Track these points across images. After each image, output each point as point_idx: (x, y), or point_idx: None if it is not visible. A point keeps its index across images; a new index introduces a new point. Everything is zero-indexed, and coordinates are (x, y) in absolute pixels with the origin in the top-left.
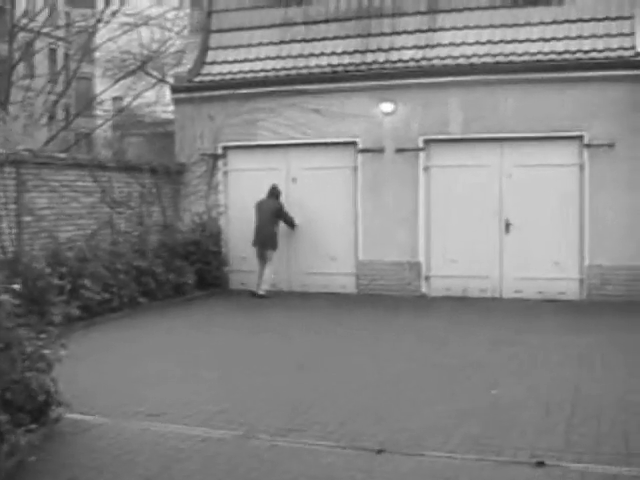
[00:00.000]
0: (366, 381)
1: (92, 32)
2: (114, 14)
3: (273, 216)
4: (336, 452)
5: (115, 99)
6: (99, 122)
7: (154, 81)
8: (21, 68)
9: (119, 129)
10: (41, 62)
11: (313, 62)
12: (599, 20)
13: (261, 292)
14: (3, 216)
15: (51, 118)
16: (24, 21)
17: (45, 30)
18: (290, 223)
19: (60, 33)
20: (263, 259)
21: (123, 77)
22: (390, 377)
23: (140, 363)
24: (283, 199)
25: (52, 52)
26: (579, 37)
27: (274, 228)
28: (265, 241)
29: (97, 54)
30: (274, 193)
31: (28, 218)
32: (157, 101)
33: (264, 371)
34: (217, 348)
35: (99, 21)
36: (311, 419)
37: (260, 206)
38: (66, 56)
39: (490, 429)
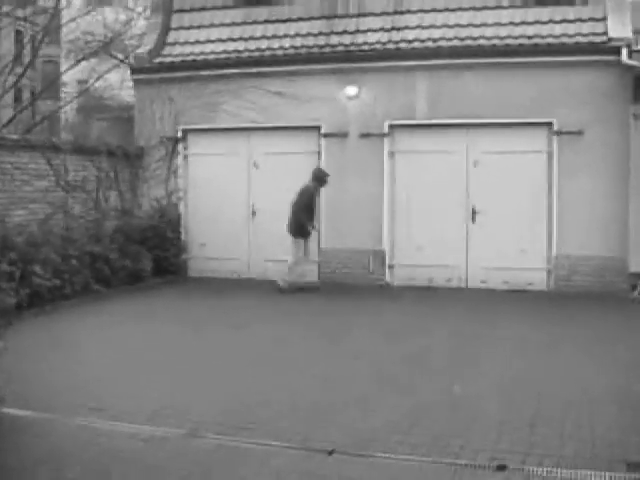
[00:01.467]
0: (322, 376)
1: (54, 13)
2: None
3: (300, 204)
4: (286, 453)
5: (80, 82)
6: (63, 104)
7: (116, 63)
8: None
9: (83, 112)
10: (7, 43)
11: (276, 44)
12: (571, 4)
13: (283, 285)
14: None
15: (16, 100)
16: None
17: (7, 9)
18: (310, 212)
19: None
20: (299, 249)
21: (83, 58)
22: (347, 371)
23: (87, 355)
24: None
25: (18, 33)
26: (550, 21)
27: (302, 216)
28: (297, 229)
29: (62, 36)
30: (317, 178)
31: None
32: (122, 84)
33: (217, 365)
34: (171, 340)
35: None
36: (262, 416)
37: (301, 191)
38: (32, 37)
39: (450, 428)
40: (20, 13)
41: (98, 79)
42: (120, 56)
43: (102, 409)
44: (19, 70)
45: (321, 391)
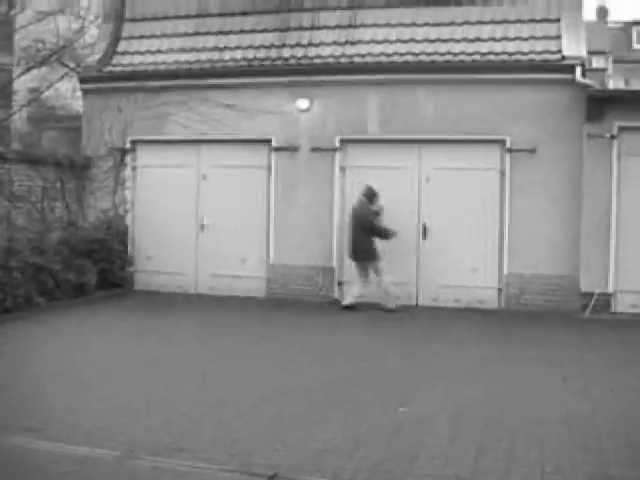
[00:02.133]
0: (266, 396)
1: (5, 19)
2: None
3: (362, 228)
4: (223, 477)
5: (32, 90)
6: (15, 114)
7: (66, 71)
8: None
9: (34, 122)
10: None
11: (228, 55)
12: (524, 22)
13: (391, 305)
14: None
15: None
16: None
17: None
18: (381, 234)
19: None
20: (365, 272)
21: (33, 67)
22: (289, 391)
23: (25, 371)
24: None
25: None
26: (504, 39)
27: (366, 239)
28: (361, 256)
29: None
30: (368, 196)
31: None
32: (73, 94)
33: (156, 381)
34: (113, 356)
35: (10, 7)
36: (202, 437)
37: (354, 214)
38: None
39: (394, 453)
40: None
41: (48, 88)
42: (72, 65)
43: (37, 429)
44: None
45: (264, 411)
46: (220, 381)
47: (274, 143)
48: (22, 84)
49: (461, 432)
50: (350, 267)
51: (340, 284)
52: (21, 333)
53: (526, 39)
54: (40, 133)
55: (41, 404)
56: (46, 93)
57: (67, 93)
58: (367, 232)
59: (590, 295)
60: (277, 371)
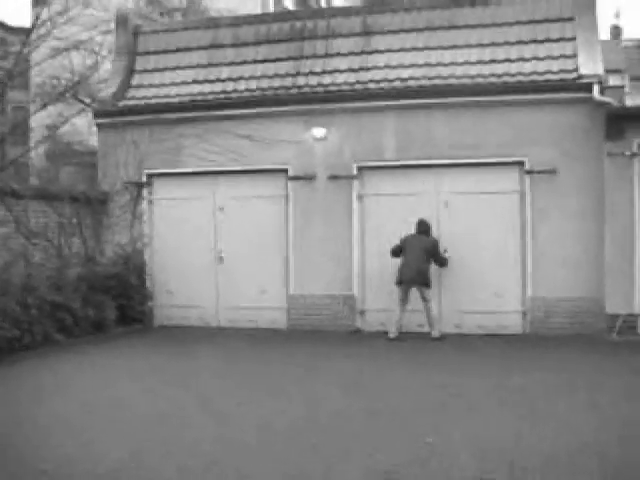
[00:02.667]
0: (282, 432)
1: (18, 57)
2: (41, 38)
3: (427, 253)
4: None
5: (49, 127)
6: (32, 151)
7: (82, 107)
8: None
9: (52, 158)
10: None
11: (242, 86)
12: (540, 42)
13: (436, 334)
14: None
15: None
16: None
17: None
18: (442, 262)
19: None
20: (407, 299)
21: (47, 103)
22: (313, 426)
23: (38, 410)
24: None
25: None
26: (520, 59)
27: (428, 265)
28: (420, 280)
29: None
30: (424, 229)
31: None
32: (90, 129)
33: (173, 424)
34: (132, 395)
35: (25, 45)
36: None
37: (411, 242)
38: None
39: None
40: None
41: (63, 123)
42: (87, 100)
43: (46, 471)
44: None
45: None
46: (243, 418)
47: (290, 172)
48: (39, 121)
49: (489, 465)
50: (373, 293)
51: (362, 313)
52: (37, 371)
53: (542, 59)
54: (58, 169)
55: (52, 446)
56: (63, 129)
57: (83, 129)
58: (429, 259)
59: (616, 317)
60: (300, 402)
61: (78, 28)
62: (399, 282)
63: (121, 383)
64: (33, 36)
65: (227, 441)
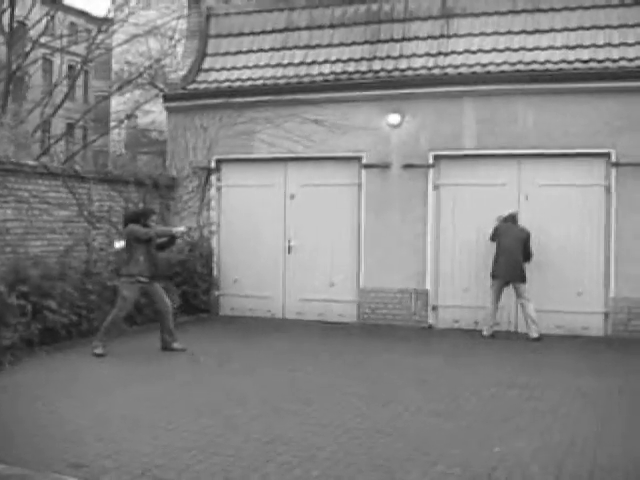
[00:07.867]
0: (350, 428)
1: (91, 44)
2: (117, 24)
3: (522, 245)
4: None
5: (129, 116)
6: (112, 139)
7: (156, 92)
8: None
9: (130, 146)
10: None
11: (316, 70)
12: (630, 27)
13: (535, 335)
14: None
15: (44, 132)
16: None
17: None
18: (529, 256)
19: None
20: (500, 296)
21: (122, 87)
22: (380, 425)
23: (87, 399)
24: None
25: (70, 68)
26: (607, 45)
27: (523, 258)
28: (517, 273)
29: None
30: (516, 219)
31: None
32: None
33: (240, 414)
34: (185, 388)
35: (100, 31)
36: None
37: (505, 233)
38: (69, 68)
39: None
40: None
41: (137, 108)
42: (163, 87)
43: (83, 465)
44: (71, 105)
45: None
46: (309, 414)
47: (364, 160)
48: (120, 109)
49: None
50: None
51: (435, 308)
52: (93, 359)
53: (631, 45)
54: (135, 156)
55: (94, 439)
56: (140, 119)
57: (161, 117)
58: (523, 254)
59: None
60: (371, 399)
61: (155, 14)
62: (497, 276)
63: (180, 375)
64: (108, 23)
65: None
